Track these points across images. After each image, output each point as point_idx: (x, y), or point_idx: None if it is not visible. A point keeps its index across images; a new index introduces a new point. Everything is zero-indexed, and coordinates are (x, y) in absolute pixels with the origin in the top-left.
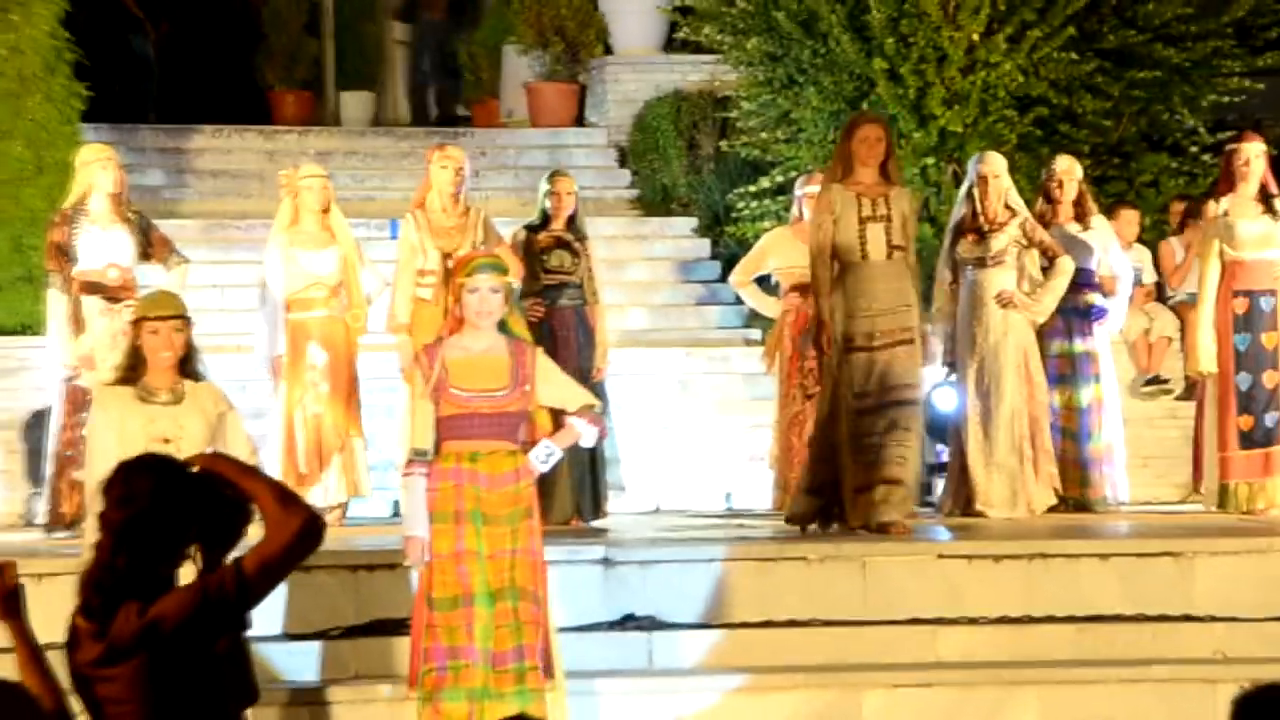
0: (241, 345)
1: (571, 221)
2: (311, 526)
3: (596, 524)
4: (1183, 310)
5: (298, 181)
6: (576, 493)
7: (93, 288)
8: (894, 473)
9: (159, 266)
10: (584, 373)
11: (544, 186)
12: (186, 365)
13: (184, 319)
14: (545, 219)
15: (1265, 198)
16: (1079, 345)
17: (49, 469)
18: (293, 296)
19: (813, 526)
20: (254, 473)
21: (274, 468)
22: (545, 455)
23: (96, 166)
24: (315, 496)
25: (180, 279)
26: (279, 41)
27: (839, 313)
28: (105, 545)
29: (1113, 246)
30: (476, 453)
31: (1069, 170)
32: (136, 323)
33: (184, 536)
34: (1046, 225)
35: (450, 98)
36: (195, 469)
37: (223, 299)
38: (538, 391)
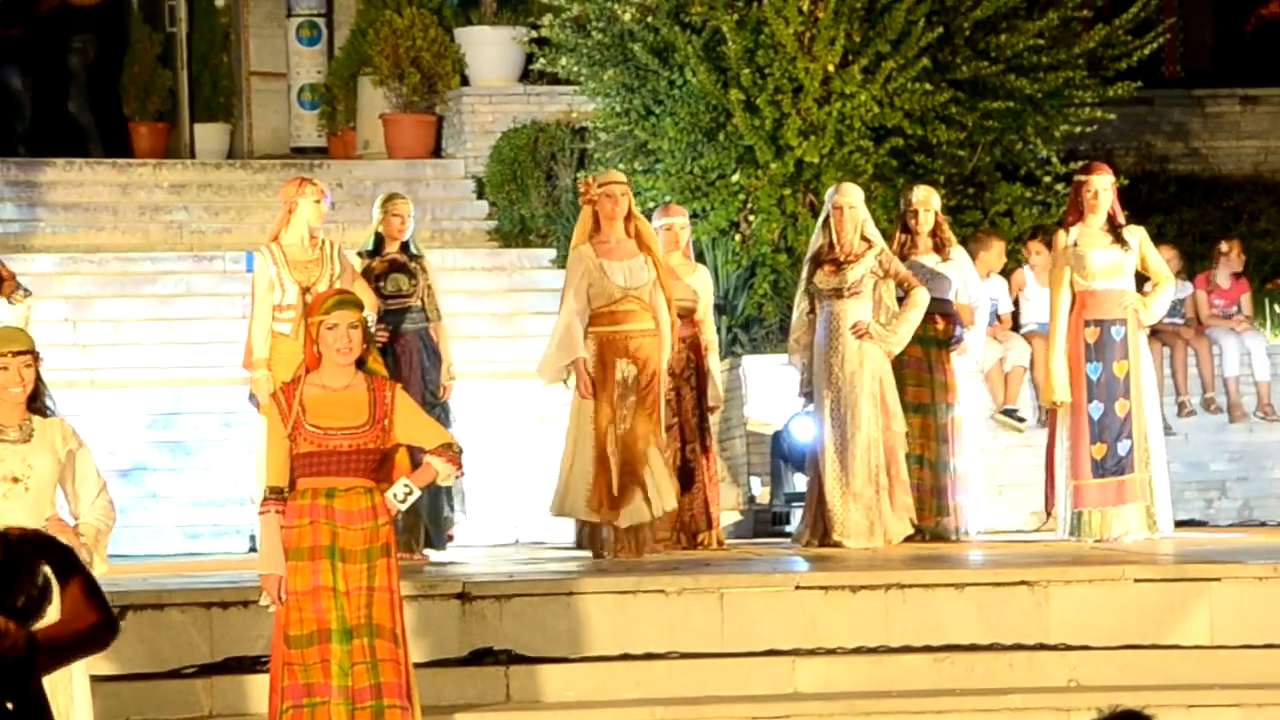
0: (95, 380)
1: (405, 243)
2: (104, 631)
3: (452, 558)
4: (1033, 340)
5: (596, 189)
6: (427, 522)
7: None
8: None
9: (2, 301)
10: (430, 395)
11: (378, 212)
12: (35, 401)
13: (33, 354)
14: (379, 243)
15: (1114, 228)
16: (935, 375)
17: None
18: (602, 309)
19: None
20: (78, 561)
21: (582, 487)
22: (404, 493)
23: None
24: (634, 515)
25: (25, 314)
26: (133, 73)
27: None
28: None
29: (970, 277)
30: (333, 489)
31: (925, 200)
32: None
33: None
34: (905, 256)
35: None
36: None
37: (75, 334)
38: (396, 429)
